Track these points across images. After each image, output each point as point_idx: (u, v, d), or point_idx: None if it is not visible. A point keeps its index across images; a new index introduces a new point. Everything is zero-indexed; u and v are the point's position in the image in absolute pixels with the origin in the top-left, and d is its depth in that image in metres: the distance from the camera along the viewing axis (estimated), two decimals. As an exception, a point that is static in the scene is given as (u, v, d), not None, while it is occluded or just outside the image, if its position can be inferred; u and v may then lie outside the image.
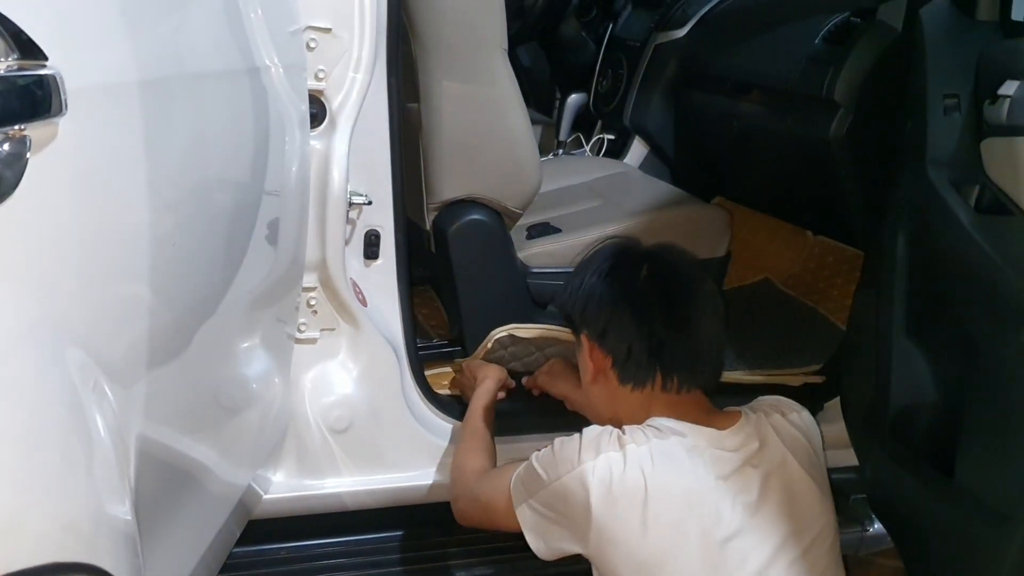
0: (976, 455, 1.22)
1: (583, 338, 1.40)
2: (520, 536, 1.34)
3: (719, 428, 1.30)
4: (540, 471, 1.28)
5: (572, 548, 1.29)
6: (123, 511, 0.83)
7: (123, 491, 0.84)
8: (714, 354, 1.37)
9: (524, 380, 1.79)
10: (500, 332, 1.79)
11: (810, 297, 2.44)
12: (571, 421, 1.54)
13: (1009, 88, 1.27)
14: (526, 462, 1.33)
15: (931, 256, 1.41)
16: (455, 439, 1.68)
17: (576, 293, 1.40)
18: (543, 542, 1.30)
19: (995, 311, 1.18)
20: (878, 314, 1.56)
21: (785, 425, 1.35)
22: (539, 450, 1.32)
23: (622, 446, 1.23)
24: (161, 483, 1.04)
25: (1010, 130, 1.30)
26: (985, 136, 1.37)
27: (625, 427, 1.27)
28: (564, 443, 1.28)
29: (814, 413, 1.47)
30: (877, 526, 1.91)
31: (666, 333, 1.33)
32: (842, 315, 2.26)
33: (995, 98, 1.31)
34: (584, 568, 1.34)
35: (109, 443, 0.80)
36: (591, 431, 1.28)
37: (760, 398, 1.44)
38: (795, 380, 2.03)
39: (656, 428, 1.27)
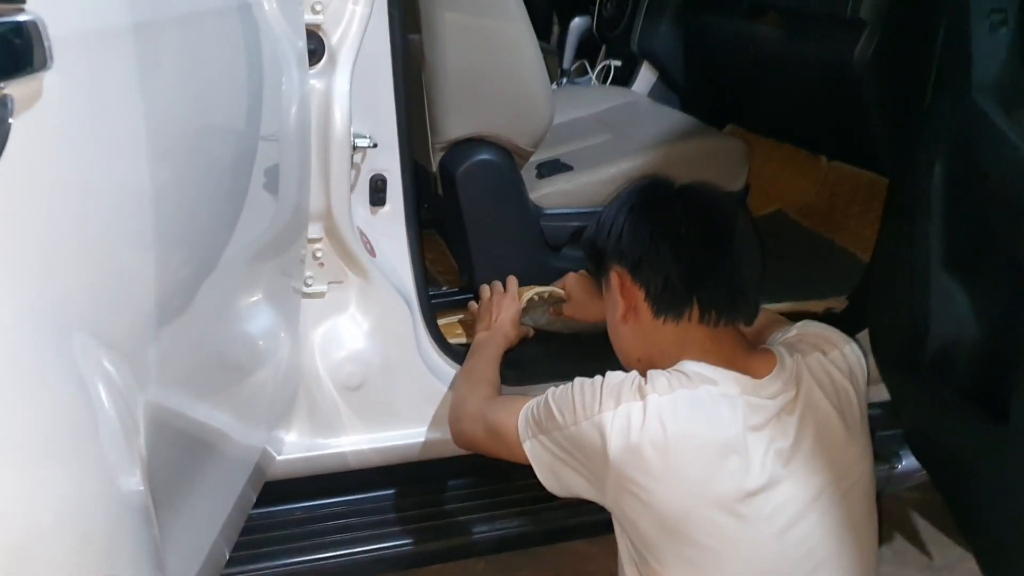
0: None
1: (613, 273, 1.35)
2: (539, 488, 1.30)
3: (755, 375, 1.24)
4: (556, 412, 1.24)
5: (586, 493, 1.26)
6: (135, 482, 0.79)
7: (134, 465, 0.80)
8: (752, 288, 1.32)
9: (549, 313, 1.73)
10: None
11: (826, 228, 2.40)
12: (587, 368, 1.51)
13: (1073, 1, 1.19)
14: (541, 397, 1.29)
15: (978, 187, 1.34)
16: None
17: (608, 226, 1.35)
18: (556, 480, 1.27)
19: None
20: (912, 247, 1.50)
21: (825, 365, 1.30)
22: (556, 386, 1.28)
23: (643, 396, 1.19)
24: (175, 453, 1.00)
25: None
26: None
27: (649, 373, 1.22)
28: (584, 386, 1.23)
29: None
30: (905, 463, 1.89)
31: (705, 261, 1.28)
32: (861, 245, 2.23)
33: (1052, 12, 1.23)
34: (605, 518, 1.31)
35: (116, 419, 0.75)
36: (614, 377, 1.23)
37: (803, 329, 1.38)
38: (818, 307, 1.99)
39: (684, 374, 1.22)
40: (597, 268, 1.40)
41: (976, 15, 1.34)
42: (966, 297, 1.39)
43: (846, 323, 1.89)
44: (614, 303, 1.35)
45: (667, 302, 1.29)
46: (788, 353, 1.29)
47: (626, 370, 1.28)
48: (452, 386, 1.62)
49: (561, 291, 1.70)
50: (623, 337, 1.37)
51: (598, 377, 1.24)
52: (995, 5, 1.33)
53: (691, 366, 1.23)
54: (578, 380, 1.25)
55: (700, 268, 1.28)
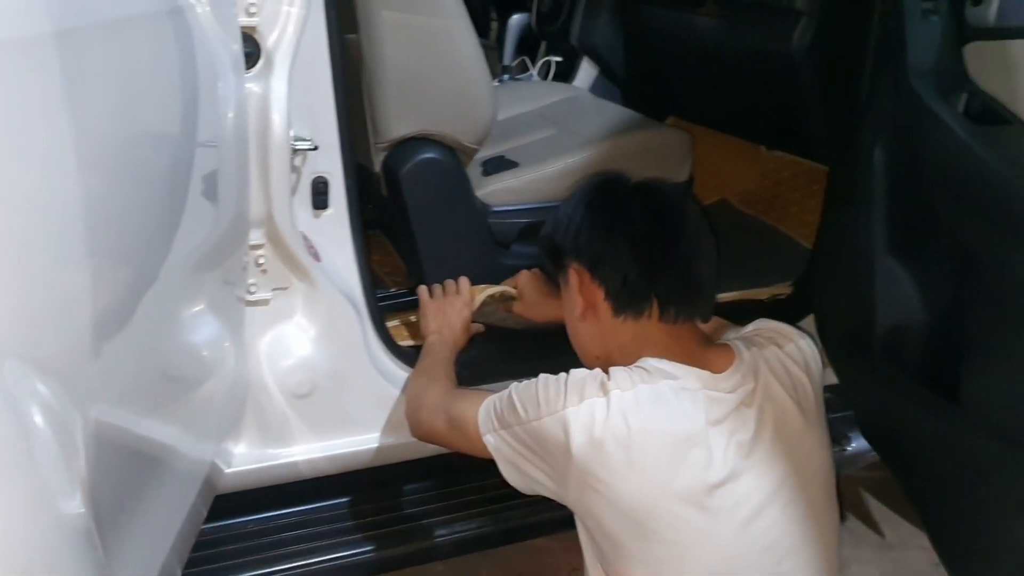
0: (988, 377, 1.18)
1: (571, 272, 1.34)
2: (498, 488, 1.30)
3: (714, 369, 1.25)
4: (519, 406, 1.23)
5: (548, 490, 1.25)
6: (75, 505, 0.77)
7: (74, 488, 0.78)
8: (709, 284, 1.32)
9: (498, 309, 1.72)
10: None
11: (769, 215, 2.43)
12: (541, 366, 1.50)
13: (998, -12, 1.21)
14: (504, 391, 1.28)
15: (917, 170, 1.36)
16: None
17: (565, 224, 1.34)
18: (518, 474, 1.27)
19: (1001, 223, 1.13)
20: (856, 233, 1.53)
21: (781, 359, 1.31)
22: (519, 381, 1.27)
23: (606, 392, 1.18)
24: (120, 473, 0.96)
25: (999, 33, 1.25)
26: (968, 40, 1.32)
27: (611, 370, 1.22)
28: (548, 382, 1.23)
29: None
30: (855, 445, 1.92)
31: (664, 259, 1.28)
32: (803, 231, 2.27)
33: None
34: (565, 514, 1.30)
35: (53, 442, 0.73)
36: (577, 374, 1.23)
37: (757, 325, 1.39)
38: (761, 294, 2.02)
39: (645, 370, 1.22)
40: (555, 265, 1.39)
41: (909, 3, 1.36)
42: (911, 280, 1.42)
43: (792, 309, 1.93)
44: (572, 301, 1.35)
45: (626, 301, 1.28)
46: (745, 347, 1.30)
47: (586, 367, 1.27)
48: (407, 383, 1.59)
49: (513, 290, 1.69)
50: (582, 335, 1.36)
51: (562, 373, 1.24)
52: (925, -7, 1.35)
53: (651, 362, 1.23)
54: (542, 376, 1.25)
55: (658, 266, 1.28)
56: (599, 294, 1.30)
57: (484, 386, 1.63)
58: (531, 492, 1.28)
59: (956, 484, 1.24)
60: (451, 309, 1.64)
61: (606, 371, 1.22)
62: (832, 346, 1.58)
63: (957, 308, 1.28)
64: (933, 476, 1.32)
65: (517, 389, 1.25)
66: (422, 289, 1.70)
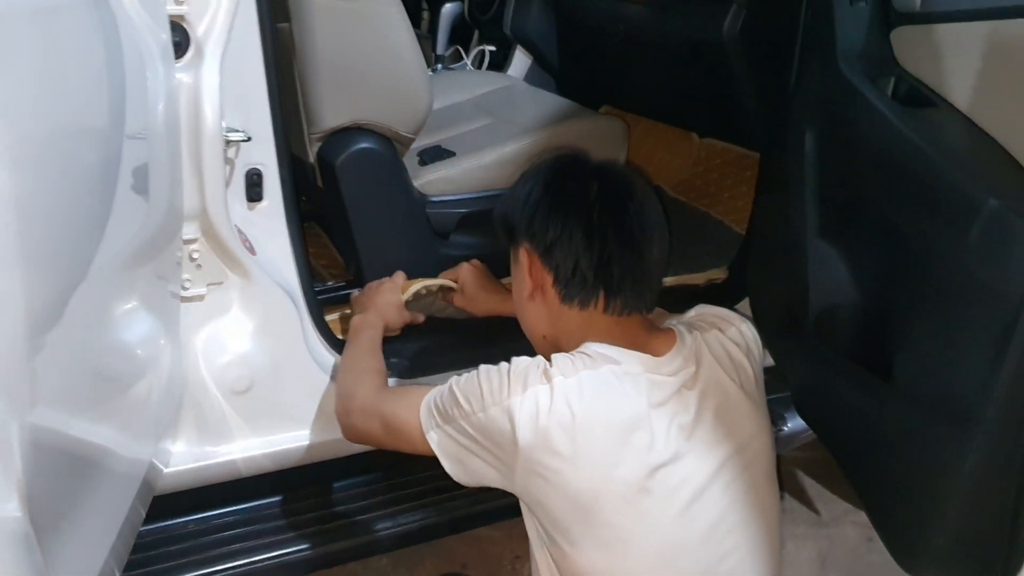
0: (919, 355, 1.21)
1: (523, 252, 1.33)
2: (440, 479, 1.29)
3: (656, 353, 1.26)
4: (462, 399, 1.23)
5: (494, 481, 1.25)
6: (11, 508, 0.76)
7: (10, 492, 0.77)
8: (658, 277, 1.33)
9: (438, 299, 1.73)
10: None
11: (701, 202, 2.47)
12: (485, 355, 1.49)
13: (922, -27, 1.25)
14: (444, 386, 1.27)
15: (846, 153, 1.39)
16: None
17: (521, 204, 1.32)
18: (462, 469, 1.26)
19: (927, 206, 1.17)
20: (788, 216, 1.56)
21: (723, 342, 1.33)
22: (459, 375, 1.27)
23: (549, 380, 1.19)
24: (57, 475, 0.95)
25: (925, 17, 1.29)
26: (895, 25, 1.36)
27: (554, 357, 1.23)
28: (490, 373, 1.23)
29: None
30: (791, 425, 1.96)
31: (617, 252, 1.27)
32: (735, 216, 2.31)
33: (906, -15, 1.29)
34: (508, 503, 1.31)
35: None
36: (519, 363, 1.23)
37: (699, 310, 1.41)
38: (697, 279, 2.05)
39: (587, 355, 1.22)
40: (508, 239, 1.38)
41: (836, -13, 1.40)
42: (842, 262, 1.45)
43: (727, 294, 1.96)
44: (522, 280, 1.34)
45: (575, 290, 1.28)
46: (687, 332, 1.32)
47: (532, 348, 1.30)
48: (333, 377, 1.58)
49: (452, 282, 1.68)
50: (529, 313, 1.36)
51: (503, 363, 1.24)
52: (851, -20, 1.38)
53: (594, 347, 1.24)
54: (483, 367, 1.24)
55: (610, 260, 1.27)
56: (548, 279, 1.30)
57: (423, 378, 1.64)
58: (476, 485, 1.28)
59: (887, 455, 1.27)
60: (378, 293, 1.63)
61: (549, 358, 1.23)
62: (767, 328, 1.61)
63: (886, 287, 1.32)
64: (866, 449, 1.35)
65: (458, 383, 1.25)
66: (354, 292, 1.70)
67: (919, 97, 1.25)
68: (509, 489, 1.24)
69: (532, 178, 1.35)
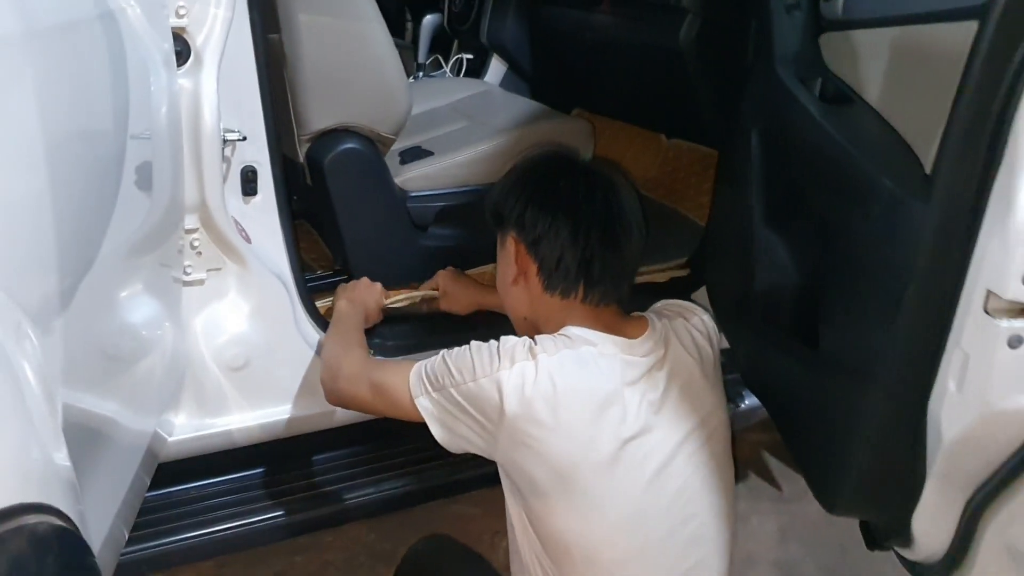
0: (836, 325, 1.34)
1: (511, 240, 1.41)
2: (423, 450, 1.38)
3: (629, 336, 1.36)
4: (454, 370, 1.30)
5: (476, 447, 1.33)
6: (63, 457, 0.83)
7: (59, 439, 0.84)
8: (634, 269, 1.43)
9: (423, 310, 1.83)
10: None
11: (669, 198, 2.56)
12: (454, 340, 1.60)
13: (843, -15, 1.38)
14: (435, 357, 1.35)
15: (784, 149, 1.51)
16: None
17: (514, 196, 1.40)
18: (448, 433, 1.33)
19: (843, 192, 1.29)
20: (738, 208, 1.66)
21: (688, 328, 1.43)
22: (450, 349, 1.35)
23: (534, 356, 1.28)
24: (76, 438, 0.99)
25: (845, 24, 1.42)
26: (823, 31, 1.48)
27: (538, 337, 1.32)
28: (481, 348, 1.31)
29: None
30: (746, 403, 2.09)
31: (599, 250, 1.36)
32: (699, 212, 2.42)
33: (830, -5, 1.42)
34: (485, 472, 1.41)
35: (40, 392, 0.79)
36: (508, 341, 1.31)
37: (665, 302, 1.51)
38: (663, 276, 2.16)
39: (568, 337, 1.32)
40: (496, 226, 1.46)
41: (775, -1, 1.52)
42: (784, 248, 1.57)
43: (689, 285, 2.09)
44: (507, 265, 1.42)
45: (557, 281, 1.37)
46: (657, 319, 1.42)
47: (514, 325, 1.39)
48: (320, 350, 1.68)
49: (433, 292, 1.79)
50: (512, 296, 1.44)
51: (493, 341, 1.32)
52: (789, -11, 1.51)
53: (574, 330, 1.33)
54: (475, 343, 1.33)
55: (592, 257, 1.36)
56: (533, 268, 1.38)
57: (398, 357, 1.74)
58: (459, 450, 1.35)
59: (812, 414, 1.40)
60: (363, 289, 1.72)
61: (533, 338, 1.32)
62: (721, 311, 1.73)
63: (817, 267, 1.44)
64: (796, 410, 1.48)
65: (450, 355, 1.33)
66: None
67: (840, 96, 1.37)
68: (491, 456, 1.33)
69: (525, 172, 1.43)
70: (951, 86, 1.05)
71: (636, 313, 1.45)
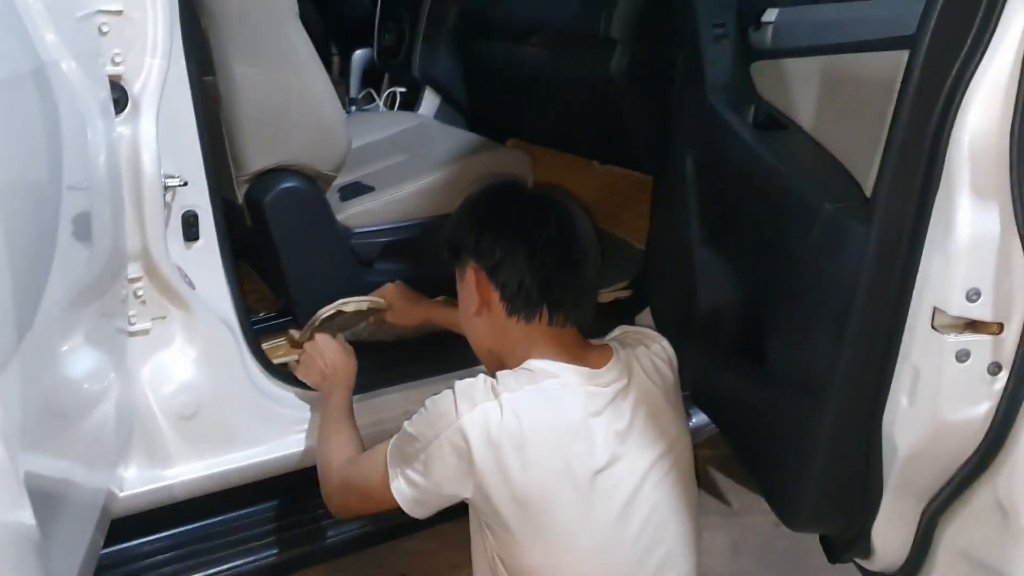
0: (782, 343, 1.38)
1: (470, 271, 1.41)
2: None
3: (593, 366, 1.37)
4: (415, 433, 1.30)
5: (451, 501, 1.33)
6: (29, 516, 0.82)
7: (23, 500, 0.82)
8: (595, 290, 1.44)
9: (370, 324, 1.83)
10: (327, 311, 1.77)
11: (606, 223, 2.59)
12: (418, 370, 1.59)
13: (771, 15, 1.44)
14: (398, 433, 1.35)
15: (719, 173, 1.56)
16: (313, 427, 1.69)
17: (468, 226, 1.42)
18: (423, 508, 1.34)
19: (781, 215, 1.34)
20: (677, 231, 1.71)
21: (649, 356, 1.45)
22: (408, 417, 1.35)
23: (497, 395, 1.28)
24: (35, 500, 0.98)
25: (774, 53, 1.47)
26: (753, 60, 1.54)
27: (499, 374, 1.32)
28: (436, 401, 1.31)
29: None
30: (695, 420, 2.11)
31: (557, 272, 1.37)
32: (637, 235, 2.45)
33: (759, 25, 1.47)
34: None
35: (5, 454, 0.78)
36: (462, 384, 1.31)
37: (625, 329, 1.52)
38: (608, 297, 2.19)
39: (529, 371, 1.33)
40: (454, 260, 1.46)
41: (703, 29, 1.56)
42: (722, 266, 1.62)
43: (632, 307, 2.12)
44: (469, 297, 1.43)
45: (520, 305, 1.38)
46: (620, 347, 1.43)
47: (479, 359, 1.40)
48: (272, 399, 1.67)
49: (380, 300, 1.79)
50: (476, 328, 1.45)
51: (446, 390, 1.32)
52: (716, 20, 1.56)
53: (535, 363, 1.34)
54: (428, 399, 1.33)
55: (551, 277, 1.37)
56: (495, 296, 1.39)
57: (373, 392, 1.75)
58: (434, 512, 1.36)
59: (765, 429, 1.43)
60: (322, 353, 1.70)
61: (494, 372, 1.33)
62: (666, 331, 1.74)
63: (756, 285, 1.49)
64: (748, 426, 1.51)
65: (408, 423, 1.33)
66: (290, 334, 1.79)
67: (773, 121, 1.43)
68: (464, 500, 1.33)
69: (476, 202, 1.46)
70: (885, 111, 1.10)
71: (598, 341, 1.46)
